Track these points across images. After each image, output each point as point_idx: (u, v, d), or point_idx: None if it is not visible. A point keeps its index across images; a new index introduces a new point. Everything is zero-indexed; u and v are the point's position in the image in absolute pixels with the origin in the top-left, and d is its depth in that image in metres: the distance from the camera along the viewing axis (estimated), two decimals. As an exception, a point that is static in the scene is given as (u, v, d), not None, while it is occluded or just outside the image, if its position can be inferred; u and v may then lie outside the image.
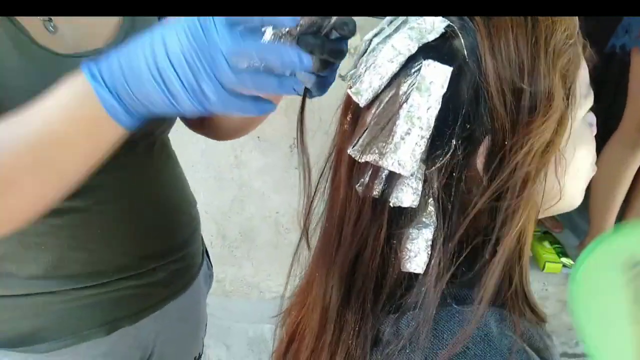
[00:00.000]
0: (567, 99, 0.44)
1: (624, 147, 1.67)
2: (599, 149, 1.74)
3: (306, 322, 0.54)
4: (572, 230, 2.13)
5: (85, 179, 0.51)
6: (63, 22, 0.67)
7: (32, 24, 0.64)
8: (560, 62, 0.42)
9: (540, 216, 0.48)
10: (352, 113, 0.47)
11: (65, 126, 0.46)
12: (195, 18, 0.41)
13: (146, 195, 0.80)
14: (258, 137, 1.82)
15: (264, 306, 2.08)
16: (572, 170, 0.47)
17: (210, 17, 0.40)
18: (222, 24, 0.40)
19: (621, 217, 1.82)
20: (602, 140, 1.73)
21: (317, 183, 0.52)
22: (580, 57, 0.46)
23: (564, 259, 1.88)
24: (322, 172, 0.52)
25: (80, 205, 0.70)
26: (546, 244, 1.96)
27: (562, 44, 0.43)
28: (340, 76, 0.48)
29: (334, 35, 0.48)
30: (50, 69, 0.63)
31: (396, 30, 0.44)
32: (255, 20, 0.41)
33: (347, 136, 0.47)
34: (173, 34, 0.41)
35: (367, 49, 0.46)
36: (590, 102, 0.48)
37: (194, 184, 2.01)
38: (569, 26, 0.44)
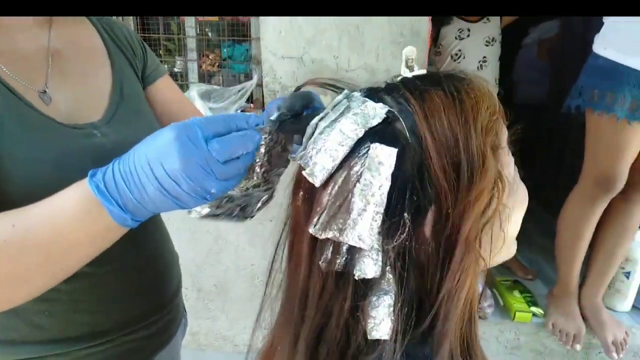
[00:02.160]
0: (499, 162, 0.49)
1: (583, 200, 1.75)
2: (561, 204, 1.82)
3: None
4: (542, 279, 2.18)
5: None
6: (57, 93, 0.70)
7: (29, 95, 0.67)
8: (490, 136, 0.48)
9: (490, 266, 0.52)
10: (306, 191, 0.50)
11: (76, 234, 0.52)
12: (179, 135, 0.48)
13: (145, 253, 0.83)
14: (234, 190, 1.86)
15: (239, 360, 2.05)
16: (513, 217, 0.52)
17: (196, 131, 0.48)
18: (207, 134, 0.49)
19: (587, 264, 1.88)
20: (566, 193, 1.81)
21: (275, 248, 0.55)
22: (502, 126, 0.51)
23: (533, 308, 1.92)
24: (277, 245, 0.55)
25: (84, 271, 0.70)
26: (516, 293, 2.00)
27: (487, 121, 0.48)
28: (292, 157, 0.51)
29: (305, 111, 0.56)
30: (53, 138, 0.66)
31: (341, 115, 0.48)
32: (226, 125, 0.51)
33: (303, 213, 0.50)
34: (168, 154, 0.48)
35: (313, 132, 0.49)
36: (512, 158, 0.53)
37: (171, 239, 2.02)
38: (490, 104, 0.49)
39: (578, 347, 1.83)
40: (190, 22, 1.72)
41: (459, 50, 2.21)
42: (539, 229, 2.36)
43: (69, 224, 0.52)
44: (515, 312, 1.90)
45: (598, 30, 1.59)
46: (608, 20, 1.55)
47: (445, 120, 0.46)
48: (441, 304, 0.47)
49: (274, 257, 0.56)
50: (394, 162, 0.45)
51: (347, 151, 0.46)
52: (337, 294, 0.48)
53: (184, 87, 1.91)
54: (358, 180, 0.45)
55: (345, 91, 0.52)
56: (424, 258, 0.47)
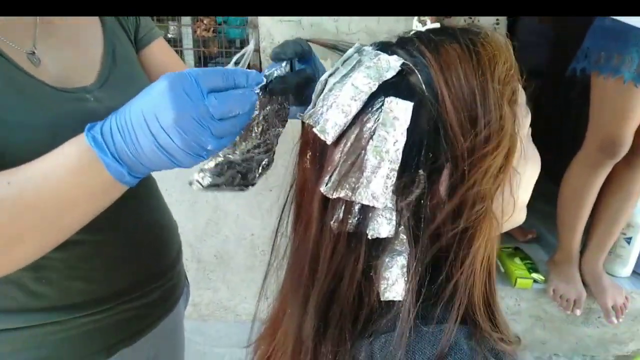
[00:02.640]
0: (514, 121, 0.47)
1: (587, 166, 1.73)
2: (564, 169, 1.80)
3: (279, 353, 0.54)
4: (542, 246, 2.18)
5: None
6: (46, 55, 0.68)
7: (17, 57, 0.64)
8: (507, 91, 0.46)
9: (501, 232, 0.51)
10: (315, 151, 0.48)
11: (73, 191, 0.50)
12: (174, 86, 0.46)
13: (140, 220, 0.81)
14: (232, 160, 1.83)
15: (241, 329, 2.05)
16: (523, 184, 0.50)
17: (192, 83, 0.46)
18: (204, 88, 0.47)
19: (587, 230, 1.88)
20: (567, 159, 1.79)
21: (281, 213, 0.53)
22: (519, 84, 0.49)
23: (534, 275, 1.92)
24: (283, 209, 0.53)
25: (79, 238, 0.69)
26: (517, 260, 2.00)
27: (504, 75, 0.46)
28: (300, 115, 0.49)
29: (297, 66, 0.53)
30: (45, 103, 0.64)
31: (352, 69, 0.46)
32: (225, 79, 0.49)
33: (312, 174, 0.48)
34: (162, 107, 0.46)
35: (323, 88, 0.48)
36: (529, 120, 0.51)
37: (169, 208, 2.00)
38: (508, 58, 0.47)
39: (578, 312, 1.84)
40: (183, -15, 1.66)
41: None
42: (540, 196, 2.34)
43: (65, 179, 0.50)
44: (517, 279, 1.90)
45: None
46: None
47: (461, 73, 0.44)
48: (456, 265, 0.46)
49: (279, 222, 0.54)
50: (410, 117, 0.43)
51: (361, 106, 0.44)
52: (349, 255, 0.47)
53: (178, 53, 1.85)
54: (372, 137, 0.44)
55: (357, 44, 0.50)
56: (438, 217, 0.45)
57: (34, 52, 0.66)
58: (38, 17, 0.68)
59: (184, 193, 1.89)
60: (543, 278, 1.92)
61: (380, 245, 0.46)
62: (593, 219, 1.87)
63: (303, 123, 0.50)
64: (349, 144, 0.45)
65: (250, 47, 1.74)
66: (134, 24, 0.84)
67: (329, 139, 0.45)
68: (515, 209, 0.49)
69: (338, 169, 0.45)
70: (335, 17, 1.60)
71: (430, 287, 0.46)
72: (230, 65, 1.73)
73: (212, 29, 1.76)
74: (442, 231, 0.46)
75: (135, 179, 0.51)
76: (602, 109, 1.62)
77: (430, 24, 0.49)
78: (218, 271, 2.03)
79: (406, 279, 0.45)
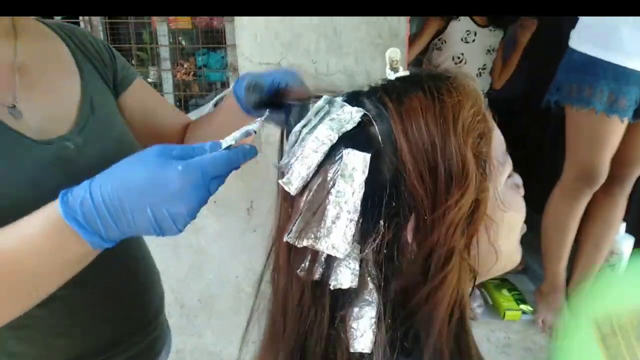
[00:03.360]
0: (484, 170, 0.47)
1: (566, 196, 1.76)
2: (545, 200, 1.82)
3: None
4: (529, 276, 2.18)
5: None
6: (26, 108, 0.68)
7: (0, 112, 0.64)
8: (471, 138, 0.45)
9: (483, 279, 0.51)
10: (285, 200, 0.49)
11: (45, 266, 0.50)
12: (185, 185, 0.49)
13: (124, 271, 0.80)
14: (214, 201, 1.81)
15: (227, 376, 1.99)
16: (504, 233, 0.49)
17: (199, 177, 0.49)
18: (209, 178, 0.51)
19: (572, 259, 1.89)
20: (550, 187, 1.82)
21: (267, 259, 0.52)
22: (491, 129, 0.49)
23: (522, 306, 1.92)
24: (269, 253, 0.52)
25: (60, 294, 0.66)
26: (504, 291, 1.99)
27: (470, 121, 0.45)
28: (275, 166, 0.51)
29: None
30: (28, 155, 0.65)
31: (320, 121, 0.48)
32: (229, 167, 0.53)
33: (283, 222, 0.49)
34: (174, 203, 0.49)
35: (297, 139, 0.49)
36: (509, 166, 0.50)
37: (151, 255, 1.96)
38: (475, 103, 0.47)
39: (568, 342, 1.83)
40: (162, 30, 1.68)
41: (462, 54, 2.19)
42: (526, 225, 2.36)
43: (38, 255, 0.49)
44: (505, 311, 1.89)
45: (572, 25, 1.60)
46: (583, 17, 1.56)
47: (422, 122, 0.44)
48: (424, 312, 0.45)
49: (264, 268, 0.53)
50: (367, 168, 0.44)
51: (322, 158, 0.45)
52: (315, 305, 0.46)
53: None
54: (332, 187, 0.45)
55: (326, 96, 0.50)
56: (407, 266, 0.45)
57: (14, 106, 0.66)
58: (17, 71, 0.69)
59: (165, 238, 1.85)
60: (531, 309, 1.92)
61: (347, 295, 0.46)
62: (577, 248, 1.89)
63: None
64: (311, 194, 0.46)
65: (230, 90, 1.76)
66: (112, 69, 0.83)
67: (292, 190, 0.46)
68: (499, 257, 0.49)
69: (301, 218, 0.46)
70: (314, 59, 1.63)
71: (403, 335, 0.46)
72: (210, 106, 1.71)
73: (192, 72, 1.77)
74: (412, 282, 0.45)
75: (114, 243, 0.51)
76: (577, 139, 1.66)
77: (402, 71, 0.49)
78: (202, 316, 1.98)
79: (374, 330, 0.45)
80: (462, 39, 2.18)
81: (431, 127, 0.44)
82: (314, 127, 0.47)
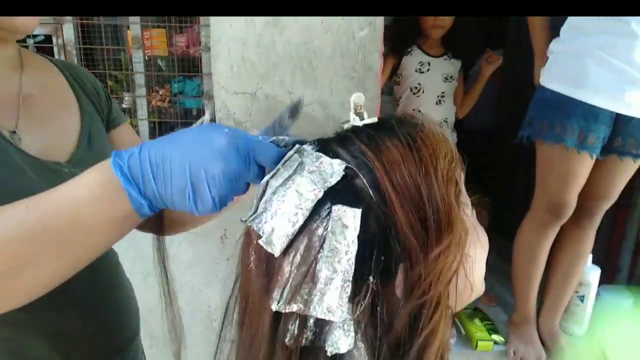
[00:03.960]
0: (461, 213, 0.47)
1: (535, 227, 1.79)
2: (516, 228, 1.85)
3: None
4: (501, 305, 2.20)
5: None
6: (26, 135, 0.70)
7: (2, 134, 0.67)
8: (451, 185, 0.46)
9: (456, 311, 0.50)
10: (260, 258, 0.46)
11: (91, 217, 0.49)
12: (231, 146, 0.47)
13: (99, 293, 0.81)
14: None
15: (197, 408, 1.94)
16: (477, 266, 0.50)
17: (247, 149, 0.48)
18: (253, 158, 0.49)
19: (543, 288, 1.92)
20: (520, 216, 1.85)
21: (225, 310, 0.51)
22: (460, 173, 0.49)
23: (494, 336, 1.92)
24: (227, 306, 0.50)
25: (24, 318, 0.70)
26: (477, 321, 2.00)
27: (447, 170, 0.46)
28: (242, 220, 0.47)
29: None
30: (26, 168, 0.67)
31: (295, 172, 0.45)
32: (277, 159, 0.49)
33: (258, 283, 0.46)
34: (213, 160, 0.46)
35: (264, 191, 0.46)
36: (468, 199, 0.51)
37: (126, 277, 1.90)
38: (448, 151, 0.47)
39: (539, 372, 1.84)
40: (138, 57, 1.67)
41: (419, 84, 2.24)
42: (496, 254, 2.39)
43: (85, 206, 0.48)
44: (477, 341, 1.90)
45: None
46: (553, 54, 1.61)
47: (406, 172, 0.43)
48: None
49: (223, 324, 0.52)
50: (359, 224, 0.42)
51: (307, 214, 0.42)
52: None
53: (132, 124, 1.84)
54: (322, 246, 0.42)
55: (296, 145, 0.48)
56: (397, 322, 0.44)
57: (15, 132, 0.69)
58: (21, 98, 0.72)
59: (136, 265, 1.82)
60: (503, 339, 1.93)
61: (338, 358, 0.43)
62: (547, 279, 1.91)
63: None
64: (298, 255, 0.43)
65: (207, 117, 1.75)
66: (107, 107, 0.88)
67: (277, 251, 0.43)
68: (474, 289, 0.49)
69: (290, 282, 0.42)
70: (290, 90, 1.64)
71: None
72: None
73: (167, 99, 1.76)
74: (401, 334, 0.44)
75: (151, 212, 0.50)
76: (547, 173, 1.69)
77: (367, 118, 0.48)
78: (172, 346, 1.93)
79: None
80: (416, 70, 2.24)
81: (415, 177, 0.43)
82: (289, 178, 0.45)
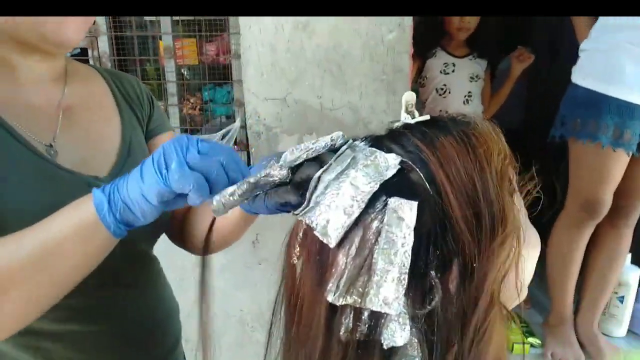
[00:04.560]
0: (517, 211, 0.47)
1: (570, 227, 1.76)
2: (549, 230, 1.82)
3: None
4: (536, 308, 2.17)
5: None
6: (63, 148, 0.70)
7: (36, 149, 0.68)
8: (505, 182, 0.46)
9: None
10: (312, 251, 0.46)
11: (64, 238, 0.54)
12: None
13: (137, 309, 0.81)
14: (220, 235, 1.81)
15: (233, 412, 1.95)
16: (528, 267, 0.49)
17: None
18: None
19: (580, 291, 1.88)
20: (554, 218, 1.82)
21: (274, 308, 0.51)
22: (513, 172, 0.49)
23: (530, 339, 1.90)
24: (275, 305, 0.50)
25: (72, 329, 0.71)
26: (512, 324, 1.97)
27: (500, 166, 0.46)
28: (294, 214, 0.47)
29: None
30: (59, 181, 0.68)
31: (348, 167, 0.45)
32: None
33: (311, 277, 0.46)
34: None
35: (316, 185, 0.46)
36: (521, 201, 0.51)
37: (171, 291, 1.94)
38: (501, 149, 0.47)
39: (578, 376, 1.80)
40: (170, 66, 1.70)
41: (444, 85, 2.23)
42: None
43: (63, 230, 0.54)
44: (513, 344, 1.86)
45: (569, 57, 1.63)
46: (584, 52, 1.59)
47: (461, 168, 0.44)
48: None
49: (272, 320, 0.51)
50: (415, 217, 0.42)
51: (363, 207, 0.43)
52: None
53: (165, 132, 1.88)
54: (377, 239, 0.42)
55: (350, 141, 0.49)
56: (449, 316, 0.44)
57: (51, 145, 0.69)
58: (61, 110, 0.73)
59: (170, 271, 1.85)
60: (539, 342, 1.89)
61: (392, 352, 0.43)
62: (583, 280, 1.88)
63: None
64: (354, 246, 0.43)
65: (237, 125, 1.76)
66: (148, 114, 0.87)
67: (332, 242, 0.43)
68: (524, 291, 0.49)
69: (346, 274, 0.43)
70: (319, 94, 1.65)
71: None
72: (217, 138, 1.70)
73: (198, 107, 1.79)
74: (455, 332, 0.44)
75: (122, 231, 0.54)
76: (581, 172, 1.67)
77: (418, 116, 0.49)
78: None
79: None
80: (441, 72, 2.23)
81: (470, 172, 0.43)
82: (342, 173, 0.45)
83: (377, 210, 0.43)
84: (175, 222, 0.87)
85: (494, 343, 0.46)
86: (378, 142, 0.48)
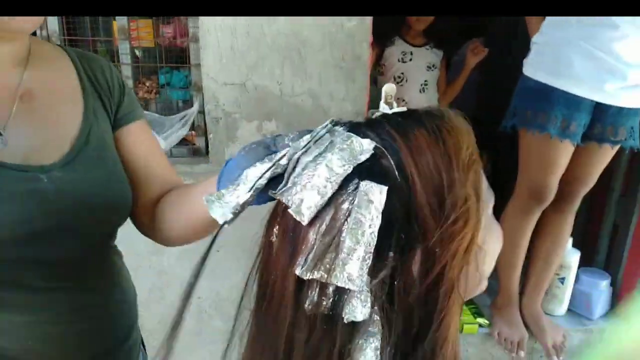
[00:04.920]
0: (479, 204, 0.49)
1: (518, 212, 1.84)
2: (498, 216, 1.90)
3: None
4: (485, 291, 2.26)
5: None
6: (16, 135, 0.68)
7: None
8: (470, 175, 0.48)
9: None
10: (286, 229, 0.48)
11: None
12: None
13: (79, 301, 0.78)
14: (177, 221, 1.78)
15: (189, 399, 1.95)
16: (488, 259, 0.52)
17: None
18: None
19: (525, 271, 1.98)
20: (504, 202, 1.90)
21: (245, 284, 0.52)
22: (480, 167, 0.51)
23: (479, 319, 1.99)
24: (247, 281, 0.52)
25: (21, 319, 0.70)
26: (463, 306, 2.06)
27: (467, 160, 0.48)
28: (272, 193, 0.49)
29: None
30: (3, 185, 0.65)
31: (326, 150, 0.47)
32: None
33: (283, 252, 0.48)
34: None
35: (294, 167, 0.48)
36: (492, 200, 0.54)
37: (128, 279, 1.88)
38: (470, 143, 0.50)
39: (522, 353, 1.91)
40: (124, 48, 1.64)
41: (402, 73, 2.26)
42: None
43: None
44: (463, 325, 1.95)
45: (522, 50, 1.69)
46: (536, 45, 1.65)
47: (430, 159, 0.46)
48: (428, 345, 0.47)
49: (242, 296, 0.53)
50: (384, 200, 0.44)
51: (336, 188, 0.45)
52: (325, 339, 0.46)
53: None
54: (347, 219, 0.44)
55: (328, 125, 0.51)
56: (410, 298, 0.46)
57: (1, 134, 0.67)
58: (18, 99, 0.69)
59: (126, 258, 1.80)
60: (488, 322, 1.99)
61: (354, 327, 0.46)
62: (529, 263, 1.98)
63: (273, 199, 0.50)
64: (324, 225, 0.45)
65: (195, 109, 1.73)
66: (117, 102, 0.82)
67: (305, 220, 0.45)
68: (482, 282, 0.52)
69: (314, 250, 0.45)
70: (279, 80, 1.64)
71: None
72: (176, 121, 1.66)
73: (154, 90, 1.74)
74: (413, 312, 0.46)
75: None
76: (530, 161, 1.74)
77: (397, 106, 0.51)
78: (162, 338, 1.93)
79: None
80: (399, 60, 2.26)
81: (438, 164, 0.46)
82: (320, 155, 0.47)
83: (348, 192, 0.45)
84: (143, 211, 0.85)
85: (451, 327, 0.48)
86: (356, 128, 0.50)
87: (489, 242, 0.52)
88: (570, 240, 1.97)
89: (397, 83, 2.28)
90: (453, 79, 2.47)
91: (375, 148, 0.46)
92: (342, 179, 0.45)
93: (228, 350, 0.54)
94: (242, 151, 0.62)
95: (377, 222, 0.44)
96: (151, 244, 1.84)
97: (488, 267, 0.53)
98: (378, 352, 0.46)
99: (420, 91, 2.27)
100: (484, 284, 0.57)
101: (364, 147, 0.46)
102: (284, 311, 0.48)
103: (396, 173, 0.45)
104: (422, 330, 0.47)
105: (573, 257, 2.00)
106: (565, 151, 1.65)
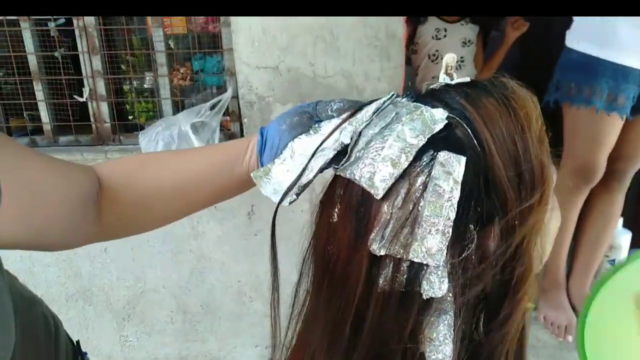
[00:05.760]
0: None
1: (564, 192, 1.77)
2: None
3: None
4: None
5: None
6: None
7: None
8: (543, 146, 0.46)
9: None
10: (352, 205, 0.46)
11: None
12: None
13: None
14: (215, 206, 1.80)
15: (232, 381, 1.99)
16: (550, 239, 0.50)
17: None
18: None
19: (572, 253, 1.91)
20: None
21: (302, 266, 0.51)
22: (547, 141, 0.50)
23: (524, 303, 1.93)
24: (303, 263, 0.50)
25: None
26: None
27: (539, 130, 0.47)
28: (334, 168, 0.48)
29: None
30: None
31: (392, 121, 0.46)
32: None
33: (351, 229, 0.46)
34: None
35: (357, 140, 0.47)
36: (555, 175, 0.51)
37: (151, 260, 1.93)
38: (538, 115, 0.48)
39: (570, 338, 1.84)
40: (158, 36, 1.66)
41: (436, 51, 2.20)
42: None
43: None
44: (507, 308, 1.90)
45: (563, 22, 1.61)
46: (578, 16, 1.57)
47: (504, 128, 0.44)
48: (502, 324, 0.45)
49: (300, 277, 0.51)
50: (463, 171, 0.42)
51: (411, 159, 0.43)
52: (400, 315, 0.44)
53: (155, 103, 1.84)
54: (424, 191, 0.42)
55: (392, 95, 0.50)
56: (486, 273, 0.44)
57: None
58: None
59: (166, 244, 1.84)
60: (533, 305, 1.92)
61: (427, 304, 0.44)
62: (576, 244, 1.90)
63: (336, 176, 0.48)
64: (399, 198, 0.43)
65: (228, 94, 1.74)
66: None
67: (380, 193, 0.43)
68: (544, 263, 0.49)
69: (391, 224, 0.43)
70: (312, 61, 1.63)
71: (476, 347, 0.45)
72: (206, 109, 1.67)
73: (188, 77, 1.76)
74: (489, 288, 0.44)
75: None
76: (576, 137, 1.67)
77: (457, 78, 0.49)
78: (205, 322, 1.97)
79: (453, 339, 0.43)
80: (433, 37, 2.20)
81: (512, 133, 0.44)
82: (386, 127, 0.45)
83: (423, 163, 0.43)
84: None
85: (523, 309, 0.46)
86: (421, 99, 0.48)
87: (551, 220, 0.49)
88: (620, 220, 1.88)
89: (432, 61, 2.22)
90: (491, 55, 2.38)
91: (448, 117, 0.44)
92: (416, 149, 0.43)
93: (275, 331, 0.53)
94: (282, 121, 0.60)
95: (457, 194, 0.42)
96: (189, 229, 1.88)
97: (549, 246, 0.51)
98: (452, 329, 0.44)
99: (456, 68, 2.21)
100: (540, 266, 0.54)
101: (436, 117, 0.44)
102: (353, 289, 0.46)
103: (474, 142, 0.43)
104: (494, 308, 0.45)
105: (624, 237, 1.91)
106: (613, 126, 1.56)
